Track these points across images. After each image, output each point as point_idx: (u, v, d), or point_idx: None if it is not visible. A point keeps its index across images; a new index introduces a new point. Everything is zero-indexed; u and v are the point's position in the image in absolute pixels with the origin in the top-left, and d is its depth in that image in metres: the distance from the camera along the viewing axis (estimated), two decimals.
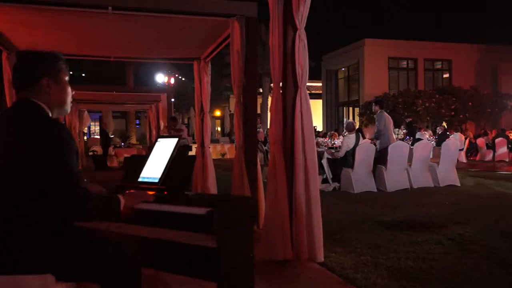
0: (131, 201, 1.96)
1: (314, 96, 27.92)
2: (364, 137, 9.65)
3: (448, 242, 4.13)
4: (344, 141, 8.17)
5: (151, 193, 2.18)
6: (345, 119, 26.08)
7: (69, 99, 1.89)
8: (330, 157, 8.29)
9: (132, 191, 2.19)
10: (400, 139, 10.27)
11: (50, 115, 1.79)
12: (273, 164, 3.52)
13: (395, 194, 7.32)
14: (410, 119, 12.94)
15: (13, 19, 4.45)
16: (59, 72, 1.84)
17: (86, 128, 26.75)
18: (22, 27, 4.75)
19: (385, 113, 8.36)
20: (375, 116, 8.48)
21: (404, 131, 12.46)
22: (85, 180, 1.88)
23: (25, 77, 1.79)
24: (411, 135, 11.54)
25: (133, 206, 1.97)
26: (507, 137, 15.71)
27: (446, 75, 25.11)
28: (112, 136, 23.61)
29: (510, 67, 22.85)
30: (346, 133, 8.47)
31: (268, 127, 3.83)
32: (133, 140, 27.04)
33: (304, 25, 3.40)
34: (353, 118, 24.78)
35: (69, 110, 1.93)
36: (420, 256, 3.67)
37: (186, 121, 34.16)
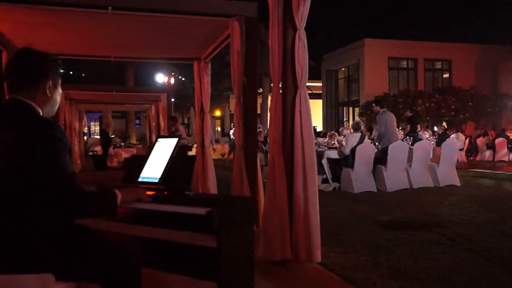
0: (128, 196, 1.96)
1: (314, 96, 27.94)
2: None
3: (448, 242, 4.14)
4: (348, 139, 8.15)
5: (150, 193, 2.18)
6: (345, 119, 26.09)
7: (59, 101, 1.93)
8: (336, 157, 8.27)
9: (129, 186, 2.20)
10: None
11: (41, 114, 1.79)
12: (272, 164, 3.52)
13: (395, 194, 7.32)
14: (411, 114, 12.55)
15: (13, 19, 4.45)
16: (59, 76, 1.87)
17: (86, 128, 26.79)
18: (22, 27, 4.75)
19: (387, 112, 8.30)
20: (377, 117, 8.44)
21: (405, 130, 12.36)
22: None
23: (28, 76, 1.78)
24: (413, 132, 11.25)
25: (131, 200, 1.97)
26: (507, 137, 15.71)
27: (446, 75, 25.11)
28: (113, 136, 23.63)
29: (510, 67, 22.85)
30: (346, 131, 8.47)
31: (268, 127, 3.83)
32: (133, 140, 27.04)
33: (304, 25, 3.40)
34: (353, 118, 24.80)
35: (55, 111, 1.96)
36: (420, 256, 3.67)
37: (186, 121, 34.21)
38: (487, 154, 15.77)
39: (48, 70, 1.81)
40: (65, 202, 1.63)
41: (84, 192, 1.69)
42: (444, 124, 19.66)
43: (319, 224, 3.42)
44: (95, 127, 39.11)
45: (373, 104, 8.70)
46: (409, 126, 11.69)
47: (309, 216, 3.35)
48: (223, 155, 19.51)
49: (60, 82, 1.89)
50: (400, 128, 14.31)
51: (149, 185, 2.31)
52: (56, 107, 1.90)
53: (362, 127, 8.53)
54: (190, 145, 11.09)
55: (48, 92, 1.80)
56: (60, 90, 1.90)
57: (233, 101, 8.21)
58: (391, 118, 8.26)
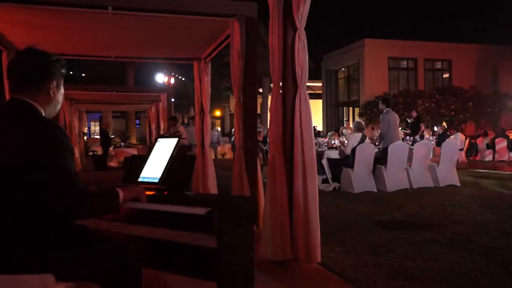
0: (129, 194, 1.96)
1: (314, 96, 27.94)
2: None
3: (448, 242, 4.14)
4: (349, 139, 8.16)
5: (150, 193, 2.19)
6: (345, 119, 26.12)
7: (61, 102, 1.93)
8: (336, 157, 8.27)
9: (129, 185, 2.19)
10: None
11: (43, 114, 1.79)
12: (272, 164, 3.52)
13: (395, 194, 7.32)
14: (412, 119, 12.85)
15: (13, 19, 4.45)
16: (62, 76, 1.87)
17: (86, 128, 26.80)
18: (22, 27, 4.75)
19: (391, 112, 8.27)
20: (380, 116, 8.44)
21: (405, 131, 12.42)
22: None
23: (33, 77, 1.77)
24: (414, 134, 11.40)
25: (131, 198, 1.97)
26: (507, 137, 15.71)
27: (446, 75, 25.12)
28: (113, 136, 23.61)
29: (510, 67, 22.86)
30: (346, 131, 8.46)
31: (268, 127, 3.84)
32: (133, 140, 27.05)
33: (304, 25, 3.40)
34: (353, 118, 24.80)
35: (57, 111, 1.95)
36: (420, 256, 3.67)
37: (186, 121, 34.21)
38: (487, 154, 15.77)
39: (52, 70, 1.81)
40: (67, 203, 1.63)
41: (86, 192, 1.68)
42: (444, 124, 19.67)
43: (319, 224, 3.42)
44: (95, 127, 39.12)
45: (380, 101, 8.68)
46: (422, 125, 11.84)
47: (309, 216, 3.35)
48: (223, 155, 19.53)
49: (62, 82, 1.89)
50: (400, 128, 14.38)
51: (149, 185, 2.31)
52: (58, 107, 1.90)
53: (364, 127, 8.53)
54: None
55: (51, 92, 1.80)
56: (62, 91, 1.90)
57: (233, 101, 8.21)
58: (395, 118, 8.25)
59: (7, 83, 1.81)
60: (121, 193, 1.87)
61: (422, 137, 10.83)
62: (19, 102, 1.74)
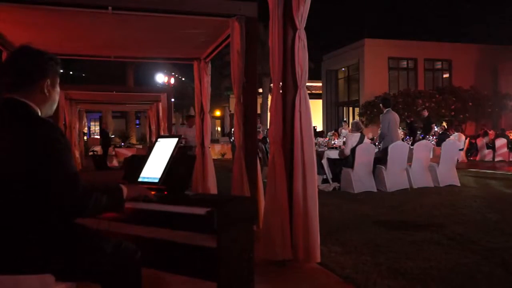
0: (133, 192, 1.96)
1: (314, 96, 27.94)
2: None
3: (448, 242, 4.14)
4: (348, 139, 8.16)
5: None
6: (344, 119, 26.12)
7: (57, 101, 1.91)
8: (336, 157, 8.27)
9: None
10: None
11: (40, 114, 1.78)
12: (272, 164, 3.52)
13: (395, 194, 7.32)
14: (412, 119, 13.05)
15: (13, 19, 4.45)
16: (57, 75, 1.85)
17: (86, 128, 26.79)
18: (22, 27, 4.75)
19: (391, 112, 8.26)
20: (380, 116, 8.44)
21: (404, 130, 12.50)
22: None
23: (26, 75, 1.75)
24: (412, 135, 11.53)
25: (135, 196, 1.97)
26: (507, 137, 15.71)
27: (446, 75, 25.10)
28: (112, 136, 23.60)
29: (510, 67, 22.84)
30: (345, 131, 8.46)
31: (268, 127, 3.83)
32: (133, 140, 27.03)
33: (304, 25, 3.40)
34: (353, 118, 24.80)
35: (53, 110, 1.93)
36: (420, 256, 3.67)
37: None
38: (487, 154, 15.77)
39: (46, 69, 1.78)
40: (69, 202, 1.63)
41: (88, 190, 1.68)
42: (444, 124, 19.67)
43: (319, 224, 3.42)
44: (95, 127, 39.11)
45: (380, 102, 8.68)
46: (433, 125, 11.91)
47: (309, 216, 3.35)
48: (223, 155, 19.53)
49: (58, 81, 1.87)
50: (400, 128, 14.46)
51: (149, 185, 2.31)
52: (54, 106, 1.88)
53: (362, 127, 8.54)
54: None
55: (46, 91, 1.78)
56: (58, 89, 1.87)
57: (233, 101, 8.20)
58: (395, 118, 8.25)
59: (2, 82, 1.79)
60: (124, 190, 1.87)
61: (414, 138, 10.89)
62: (14, 101, 1.72)
